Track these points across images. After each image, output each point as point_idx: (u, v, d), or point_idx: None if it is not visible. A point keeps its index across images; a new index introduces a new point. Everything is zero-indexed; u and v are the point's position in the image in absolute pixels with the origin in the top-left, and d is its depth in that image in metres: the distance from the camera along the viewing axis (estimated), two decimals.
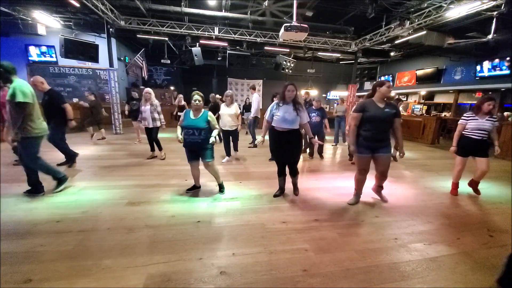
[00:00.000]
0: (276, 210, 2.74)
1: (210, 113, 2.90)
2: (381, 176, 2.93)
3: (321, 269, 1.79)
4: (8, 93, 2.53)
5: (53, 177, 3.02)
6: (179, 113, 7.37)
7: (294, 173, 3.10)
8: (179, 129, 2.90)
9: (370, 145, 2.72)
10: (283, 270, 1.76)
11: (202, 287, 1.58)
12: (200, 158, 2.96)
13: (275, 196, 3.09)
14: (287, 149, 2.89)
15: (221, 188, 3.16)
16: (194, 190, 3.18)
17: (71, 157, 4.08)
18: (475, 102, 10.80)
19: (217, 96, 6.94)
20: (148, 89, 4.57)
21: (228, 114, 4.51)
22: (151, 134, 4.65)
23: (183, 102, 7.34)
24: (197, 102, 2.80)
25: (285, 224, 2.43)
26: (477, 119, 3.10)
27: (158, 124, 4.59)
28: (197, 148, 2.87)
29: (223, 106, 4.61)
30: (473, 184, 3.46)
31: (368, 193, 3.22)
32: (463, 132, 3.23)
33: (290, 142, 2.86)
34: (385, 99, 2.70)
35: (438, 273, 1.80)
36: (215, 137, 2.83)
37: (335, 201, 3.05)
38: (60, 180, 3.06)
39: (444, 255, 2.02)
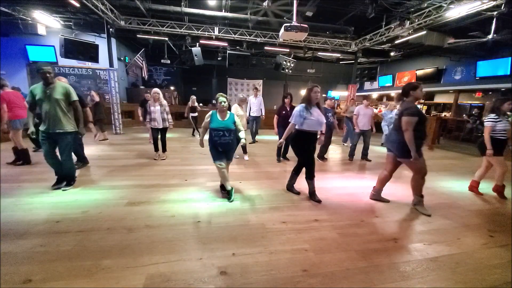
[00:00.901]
0: (276, 210, 2.74)
1: (235, 115, 2.97)
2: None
3: (321, 269, 1.79)
4: (58, 92, 2.82)
5: (69, 174, 3.12)
6: (191, 114, 7.43)
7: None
8: (203, 132, 2.97)
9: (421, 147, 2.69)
10: (283, 270, 1.76)
11: (202, 287, 1.58)
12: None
13: (297, 193, 3.20)
14: (313, 150, 3.01)
15: (226, 189, 3.11)
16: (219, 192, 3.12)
17: (83, 159, 4.23)
18: (475, 102, 10.78)
19: None
20: (157, 89, 4.51)
21: (245, 116, 4.96)
22: (160, 134, 4.62)
23: (196, 103, 7.42)
24: (223, 103, 2.82)
25: (285, 224, 2.43)
26: (501, 120, 3.13)
27: (167, 124, 4.59)
28: (228, 148, 2.93)
29: (239, 109, 4.70)
30: (476, 185, 3.51)
31: (368, 193, 3.21)
32: (491, 135, 3.19)
33: (315, 142, 3.00)
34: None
35: (438, 273, 1.80)
36: (244, 138, 3.01)
37: (335, 201, 3.05)
38: (73, 180, 3.18)
39: (444, 255, 2.02)
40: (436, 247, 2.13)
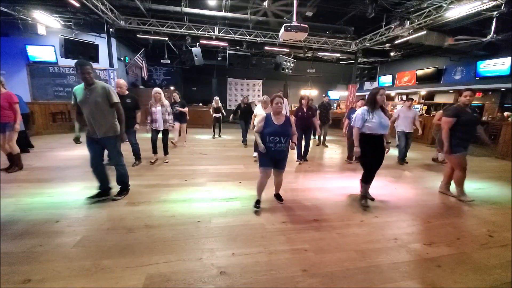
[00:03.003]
0: (276, 210, 2.74)
1: (291, 117, 2.73)
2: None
3: (321, 269, 1.79)
4: (98, 93, 2.55)
5: (122, 182, 3.00)
6: (215, 115, 7.45)
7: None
8: (258, 137, 2.63)
9: (466, 144, 3.11)
10: (283, 270, 1.76)
11: (202, 287, 1.58)
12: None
13: (366, 207, 2.90)
14: (380, 154, 2.89)
15: (280, 198, 3.02)
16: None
17: (139, 157, 4.41)
18: (475, 102, 10.74)
19: None
20: (158, 89, 4.32)
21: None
22: (159, 136, 4.48)
23: (220, 104, 7.46)
24: (279, 104, 2.56)
25: (285, 224, 2.43)
26: None
27: (168, 125, 4.42)
28: (282, 156, 2.67)
29: (261, 109, 4.56)
30: None
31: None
32: None
33: (382, 146, 2.89)
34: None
35: (438, 273, 1.80)
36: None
37: (335, 201, 3.05)
38: (125, 189, 3.02)
39: (444, 255, 2.02)
40: (436, 247, 2.13)
